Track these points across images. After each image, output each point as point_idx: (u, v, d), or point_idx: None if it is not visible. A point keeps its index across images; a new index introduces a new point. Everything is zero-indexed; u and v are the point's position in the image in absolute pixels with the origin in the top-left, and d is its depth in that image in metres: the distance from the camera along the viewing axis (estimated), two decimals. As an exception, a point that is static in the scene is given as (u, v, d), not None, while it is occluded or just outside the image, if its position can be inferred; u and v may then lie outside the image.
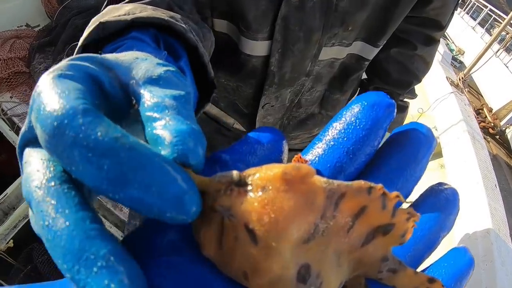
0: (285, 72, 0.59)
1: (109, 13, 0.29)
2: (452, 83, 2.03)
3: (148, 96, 0.15)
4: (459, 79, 2.10)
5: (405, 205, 0.16)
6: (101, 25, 0.27)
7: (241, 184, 0.12)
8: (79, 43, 0.27)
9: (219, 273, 0.13)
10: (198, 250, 0.13)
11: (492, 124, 3.97)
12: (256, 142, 0.17)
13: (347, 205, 0.12)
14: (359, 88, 0.77)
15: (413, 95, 0.77)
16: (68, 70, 0.14)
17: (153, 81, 0.15)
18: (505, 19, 3.25)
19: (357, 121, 0.15)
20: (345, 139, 0.15)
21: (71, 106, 0.12)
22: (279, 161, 0.17)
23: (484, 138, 3.72)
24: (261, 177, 0.12)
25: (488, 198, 1.39)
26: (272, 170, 0.12)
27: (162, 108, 0.14)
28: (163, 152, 0.13)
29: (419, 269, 0.16)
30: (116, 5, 0.31)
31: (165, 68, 0.16)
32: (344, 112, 0.16)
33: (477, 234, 1.30)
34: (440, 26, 0.65)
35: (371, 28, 0.57)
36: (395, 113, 0.16)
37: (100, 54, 0.19)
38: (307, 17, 0.51)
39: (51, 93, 0.12)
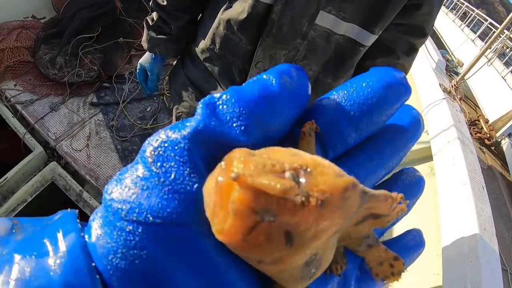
0: (283, 24, 0.65)
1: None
2: (445, 89, 2.08)
3: None
4: (452, 86, 2.15)
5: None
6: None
7: (298, 193, 0.11)
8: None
9: (223, 247, 0.13)
10: (206, 225, 0.13)
11: (488, 135, 4.00)
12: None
13: (367, 206, 0.14)
14: None
15: None
16: None
17: None
18: (505, 32, 3.29)
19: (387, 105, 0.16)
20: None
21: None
22: (303, 105, 0.16)
23: (480, 149, 3.76)
24: (322, 190, 0.11)
25: (475, 199, 1.43)
26: (334, 183, 0.12)
27: None
28: None
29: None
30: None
31: None
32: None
33: (464, 232, 1.34)
34: (424, 33, 0.71)
35: (368, 12, 0.63)
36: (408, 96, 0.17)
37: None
38: None
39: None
